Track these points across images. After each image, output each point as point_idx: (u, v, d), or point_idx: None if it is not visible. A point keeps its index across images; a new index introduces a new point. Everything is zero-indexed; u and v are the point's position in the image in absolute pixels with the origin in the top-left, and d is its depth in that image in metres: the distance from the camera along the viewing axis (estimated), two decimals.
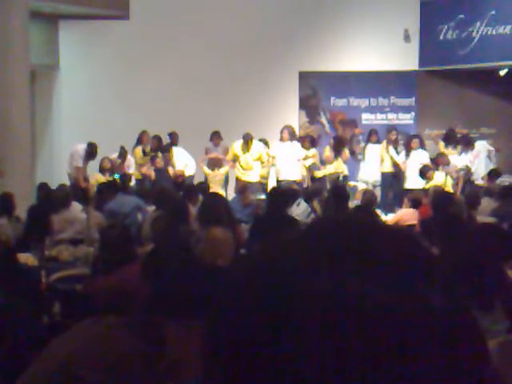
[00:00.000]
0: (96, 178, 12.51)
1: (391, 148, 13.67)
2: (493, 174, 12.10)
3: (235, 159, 13.36)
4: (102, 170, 12.71)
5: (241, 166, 13.28)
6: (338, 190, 9.06)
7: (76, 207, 8.63)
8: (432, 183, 11.51)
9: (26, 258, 5.84)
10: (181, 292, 2.19)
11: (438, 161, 12.65)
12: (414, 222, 8.59)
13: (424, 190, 10.99)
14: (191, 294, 2.16)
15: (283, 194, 8.45)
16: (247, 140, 13.18)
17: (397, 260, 0.66)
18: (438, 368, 0.62)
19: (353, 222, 0.72)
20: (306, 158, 13.44)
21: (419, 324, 0.63)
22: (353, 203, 10.71)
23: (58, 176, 13.49)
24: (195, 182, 12.31)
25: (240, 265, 0.72)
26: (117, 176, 12.01)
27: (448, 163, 12.65)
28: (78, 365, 2.01)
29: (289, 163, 13.25)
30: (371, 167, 13.73)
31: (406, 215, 9.12)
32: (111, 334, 2.10)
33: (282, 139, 13.46)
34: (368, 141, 14.02)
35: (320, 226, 0.73)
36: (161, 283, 2.46)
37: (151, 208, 8.75)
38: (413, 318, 0.63)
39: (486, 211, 9.06)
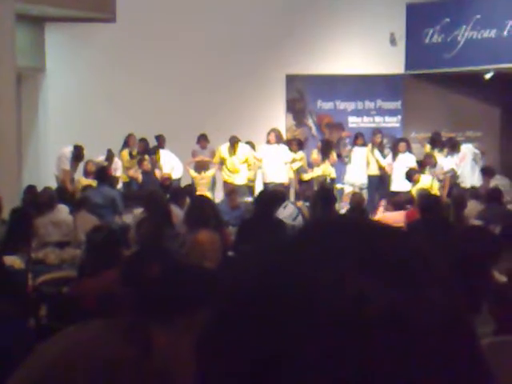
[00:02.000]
0: (80, 181, 12.47)
1: (376, 151, 13.74)
2: (488, 173, 12.20)
3: (222, 162, 13.36)
4: (86, 173, 12.65)
5: (227, 168, 13.29)
6: (325, 192, 9.08)
7: (62, 209, 8.61)
8: (418, 186, 11.56)
9: (13, 261, 5.81)
10: (166, 295, 2.19)
11: (425, 162, 12.72)
12: (398, 224, 8.63)
13: (409, 193, 11.04)
14: (177, 297, 2.15)
15: (270, 197, 8.45)
16: (233, 143, 13.20)
17: (400, 260, 0.66)
18: (441, 367, 0.62)
19: (354, 222, 0.72)
20: (293, 161, 13.46)
21: (424, 324, 0.63)
22: (340, 206, 10.75)
23: (45, 178, 13.44)
24: (182, 184, 12.30)
25: (242, 267, 0.70)
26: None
27: (435, 164, 12.72)
28: (66, 369, 2.00)
29: (275, 166, 13.26)
30: (358, 170, 13.78)
31: (389, 218, 9.15)
32: (99, 337, 2.10)
33: (268, 142, 13.48)
34: (354, 144, 14.07)
35: (320, 227, 0.72)
36: (143, 286, 2.45)
37: (138, 210, 8.75)
38: (417, 318, 0.62)
39: (472, 214, 9.11)
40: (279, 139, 13.58)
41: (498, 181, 12.06)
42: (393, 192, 12.48)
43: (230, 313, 0.67)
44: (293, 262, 0.66)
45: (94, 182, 11.45)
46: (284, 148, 13.48)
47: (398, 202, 9.67)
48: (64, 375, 2.00)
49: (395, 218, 9.08)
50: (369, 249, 0.66)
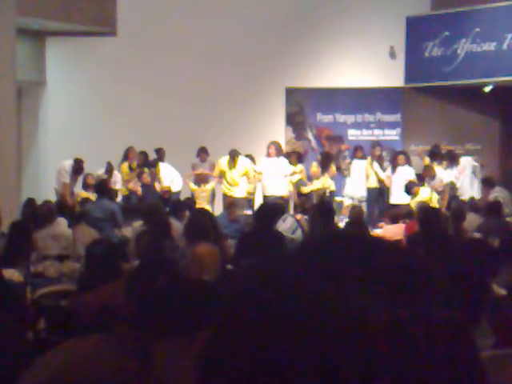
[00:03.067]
0: (80, 194, 12.46)
1: (375, 164, 13.75)
2: (488, 184, 12.20)
3: (221, 175, 13.37)
4: (85, 187, 12.64)
5: (227, 181, 13.29)
6: (324, 205, 9.08)
7: (62, 223, 8.61)
8: (417, 199, 11.56)
9: (12, 274, 5.80)
10: (167, 309, 2.18)
11: (424, 174, 12.73)
12: (398, 236, 8.63)
13: (409, 206, 11.04)
14: (177, 311, 2.15)
15: (270, 210, 8.45)
16: (233, 156, 13.20)
17: (401, 275, 0.66)
18: (444, 380, 0.63)
19: (355, 238, 0.72)
20: (292, 174, 13.47)
21: (427, 339, 0.63)
22: (339, 219, 10.75)
23: (45, 192, 13.45)
24: (182, 197, 12.30)
25: (244, 283, 0.71)
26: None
27: (434, 177, 12.72)
28: (67, 381, 2.00)
29: (275, 179, 13.27)
30: (357, 183, 13.79)
31: (389, 231, 9.15)
32: (100, 350, 2.10)
33: (268, 155, 13.49)
34: (354, 157, 14.08)
35: (322, 243, 0.72)
36: (146, 300, 2.45)
37: (138, 223, 8.75)
38: (420, 333, 0.63)
39: (471, 226, 9.10)
40: (279, 152, 13.59)
41: (497, 193, 12.05)
42: (392, 205, 12.48)
43: (231, 327, 0.67)
44: (295, 278, 0.67)
45: (93, 196, 11.46)
46: (284, 161, 13.49)
47: (395, 215, 9.68)
48: None
49: (393, 231, 9.08)
50: (370, 266, 0.66)
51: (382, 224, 10.33)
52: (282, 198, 12.95)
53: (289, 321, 0.63)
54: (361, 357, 0.61)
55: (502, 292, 4.59)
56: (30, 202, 10.22)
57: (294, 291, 0.65)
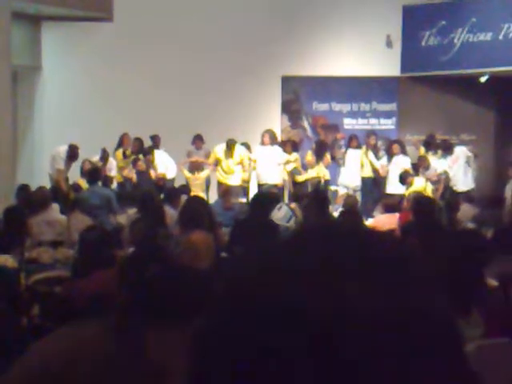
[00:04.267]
0: (77, 181, 12.44)
1: (370, 153, 13.76)
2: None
3: (217, 163, 13.36)
4: (83, 173, 12.63)
5: (223, 169, 13.29)
6: (319, 194, 9.09)
7: (56, 209, 8.61)
8: (412, 189, 11.57)
9: (6, 260, 5.81)
10: (160, 296, 2.20)
11: (419, 164, 12.74)
12: (391, 226, 8.65)
13: (403, 196, 11.06)
14: (171, 299, 2.16)
15: (265, 198, 8.46)
16: (230, 145, 13.18)
17: (396, 267, 0.67)
18: (431, 371, 0.64)
19: (345, 230, 0.73)
20: (287, 163, 13.47)
21: (419, 331, 0.64)
22: (334, 208, 10.76)
23: (40, 177, 13.43)
24: (176, 185, 12.29)
25: (237, 270, 0.71)
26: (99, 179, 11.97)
27: (428, 166, 12.73)
28: (63, 367, 2.02)
29: (269, 167, 13.28)
30: (352, 172, 13.79)
31: (382, 220, 9.16)
32: (97, 337, 2.11)
33: (262, 143, 13.50)
34: (348, 146, 14.07)
35: (318, 231, 0.73)
36: (139, 288, 2.46)
37: (132, 210, 8.75)
38: (413, 325, 0.64)
39: (465, 217, 9.13)
40: (273, 140, 13.60)
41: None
42: (387, 194, 12.50)
43: (225, 314, 0.68)
44: (292, 265, 0.67)
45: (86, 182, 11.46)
46: (278, 149, 13.49)
47: (389, 204, 9.70)
48: (66, 370, 2.01)
49: (387, 220, 9.09)
50: (359, 257, 0.67)
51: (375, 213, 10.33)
52: (275, 186, 12.96)
53: (285, 306, 0.64)
54: (347, 347, 0.62)
55: (494, 283, 4.60)
56: (24, 187, 10.20)
57: (291, 278, 0.66)
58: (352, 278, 0.65)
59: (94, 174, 10.77)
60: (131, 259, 3.77)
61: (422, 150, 13.69)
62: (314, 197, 8.76)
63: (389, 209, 9.48)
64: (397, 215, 9.20)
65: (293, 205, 9.32)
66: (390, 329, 0.63)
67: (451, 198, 10.04)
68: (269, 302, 0.65)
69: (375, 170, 13.65)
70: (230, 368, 0.65)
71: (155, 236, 6.14)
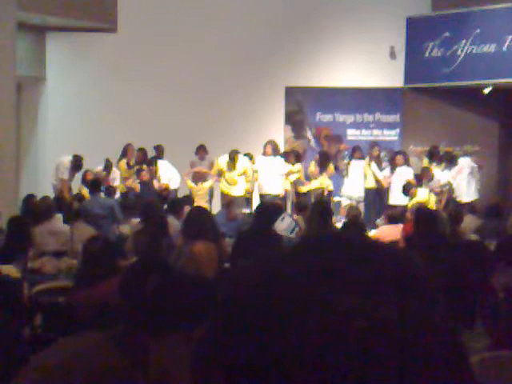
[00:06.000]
0: (81, 191, 12.44)
1: (373, 164, 13.75)
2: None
3: (220, 174, 13.36)
4: (85, 183, 12.63)
5: (226, 180, 13.29)
6: (322, 205, 9.08)
7: (60, 219, 8.61)
8: (415, 200, 11.56)
9: (9, 270, 5.81)
10: (162, 306, 2.19)
11: (423, 175, 12.72)
12: (394, 237, 8.64)
13: (406, 207, 11.04)
14: (173, 308, 2.16)
15: (269, 209, 8.45)
16: (233, 157, 13.17)
17: (394, 278, 0.67)
18: (428, 378, 0.63)
19: (351, 239, 0.73)
20: (290, 173, 13.47)
21: (417, 342, 0.64)
22: (337, 219, 10.75)
23: (43, 188, 13.44)
24: (180, 195, 12.29)
25: (236, 280, 0.71)
26: (101, 188, 11.97)
27: (432, 178, 12.72)
28: (63, 379, 2.01)
29: (271, 178, 13.29)
30: (355, 183, 13.78)
31: (385, 231, 9.15)
32: (97, 348, 2.10)
33: (265, 154, 13.52)
34: (352, 157, 14.07)
35: (318, 242, 0.73)
36: (141, 298, 2.46)
37: (135, 221, 8.75)
38: (411, 336, 0.63)
39: (468, 228, 9.11)
40: (275, 151, 13.61)
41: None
42: (390, 205, 12.48)
43: (229, 322, 0.68)
44: (286, 278, 0.68)
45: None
46: (280, 160, 13.50)
47: (393, 215, 9.69)
48: (68, 382, 2.01)
49: (390, 231, 9.08)
50: (359, 267, 0.67)
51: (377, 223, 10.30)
52: (277, 196, 12.96)
53: (285, 315, 0.64)
54: (345, 353, 0.62)
55: (498, 295, 4.59)
56: (30, 198, 10.21)
57: (291, 288, 0.66)
58: (352, 290, 0.65)
59: (96, 183, 10.79)
60: (132, 269, 3.76)
61: (426, 161, 13.68)
62: (317, 208, 8.75)
63: (392, 220, 9.47)
64: (400, 226, 9.19)
65: (296, 216, 9.32)
66: (391, 341, 0.63)
67: (455, 209, 10.03)
68: (267, 311, 0.65)
69: (378, 181, 13.65)
70: (228, 374, 0.65)
71: (158, 246, 6.14)
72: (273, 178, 13.29)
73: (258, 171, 13.43)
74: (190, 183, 13.32)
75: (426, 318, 0.65)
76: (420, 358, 0.63)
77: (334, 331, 0.63)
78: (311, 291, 0.65)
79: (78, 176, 13.03)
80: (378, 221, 10.52)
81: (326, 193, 13.18)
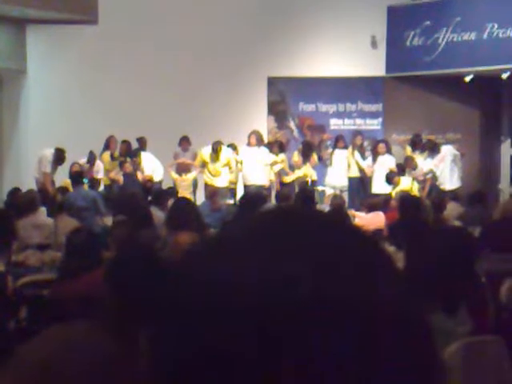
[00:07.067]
0: (65, 185, 12.37)
1: (357, 153, 13.79)
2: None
3: (203, 165, 13.35)
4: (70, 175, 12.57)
5: (209, 172, 13.29)
6: (305, 193, 9.10)
7: (43, 212, 8.58)
8: (398, 188, 11.61)
9: None
10: (145, 296, 2.20)
11: (406, 164, 12.77)
12: (376, 226, 8.68)
13: (389, 195, 11.09)
14: (155, 297, 2.16)
15: (252, 199, 8.46)
16: (216, 148, 13.15)
17: (332, 245, 0.65)
18: (375, 353, 0.62)
19: (301, 213, 0.72)
20: (274, 163, 13.49)
21: (354, 306, 0.62)
22: (321, 208, 10.78)
23: (26, 181, 13.37)
24: (163, 187, 12.28)
25: (183, 264, 0.70)
26: (85, 181, 11.93)
27: (415, 167, 12.78)
28: (57, 368, 2.01)
29: (256, 168, 13.29)
30: (338, 172, 13.82)
31: (367, 220, 9.17)
32: (88, 338, 2.10)
33: (249, 144, 13.51)
34: (335, 146, 14.10)
35: (269, 213, 0.72)
36: (124, 289, 2.46)
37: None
38: (348, 299, 0.62)
39: (451, 215, 9.16)
40: (260, 141, 13.61)
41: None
42: (373, 194, 12.53)
43: (168, 304, 0.67)
44: (228, 244, 0.67)
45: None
46: (264, 150, 13.50)
47: (371, 204, 9.74)
48: (56, 375, 2.00)
49: (372, 219, 9.12)
50: (304, 235, 0.65)
51: (353, 213, 10.23)
52: (262, 187, 12.97)
53: (226, 280, 0.63)
54: (288, 322, 0.61)
55: (482, 280, 4.63)
56: (15, 191, 10.15)
57: (235, 253, 0.65)
58: (297, 257, 0.63)
59: (78, 176, 10.77)
60: (116, 258, 3.76)
61: (409, 149, 13.73)
62: (300, 196, 8.77)
63: (371, 208, 9.51)
64: (381, 214, 9.23)
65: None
66: (322, 306, 0.61)
67: (437, 196, 10.07)
68: (208, 281, 0.64)
69: (362, 170, 13.69)
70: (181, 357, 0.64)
71: (137, 237, 6.12)
72: (258, 168, 13.29)
73: (243, 162, 13.43)
74: (174, 175, 13.30)
75: (382, 294, 0.63)
76: (380, 337, 0.62)
77: (276, 297, 0.61)
78: (253, 256, 0.64)
79: (61, 169, 12.96)
80: (359, 212, 10.47)
81: (309, 182, 13.21)
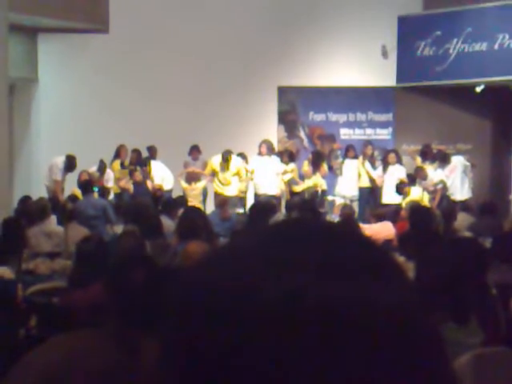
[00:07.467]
0: (74, 192, 12.42)
1: (367, 163, 13.78)
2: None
3: (213, 174, 13.36)
4: (79, 184, 12.61)
5: (219, 181, 13.30)
6: (309, 204, 9.10)
7: (54, 220, 8.60)
8: (409, 198, 11.58)
9: (3, 271, 5.80)
10: (149, 304, 2.20)
11: (417, 174, 12.75)
12: (385, 235, 8.66)
13: (399, 206, 11.07)
14: (161, 304, 2.16)
15: (262, 209, 8.46)
16: (226, 158, 13.15)
17: (339, 257, 0.65)
18: (378, 365, 0.61)
19: (310, 223, 0.72)
20: (284, 173, 13.49)
21: (362, 320, 0.61)
22: (331, 218, 10.77)
23: (37, 189, 13.42)
24: (174, 196, 12.29)
25: (199, 269, 0.69)
26: (95, 189, 11.97)
27: (426, 177, 12.75)
28: (60, 376, 2.01)
29: (267, 178, 13.28)
30: (348, 182, 13.81)
31: (376, 230, 9.15)
32: (94, 345, 2.11)
33: (260, 154, 13.51)
34: (345, 156, 14.10)
35: (274, 224, 0.72)
36: (128, 297, 2.46)
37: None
38: (355, 313, 0.61)
39: (462, 226, 9.13)
40: (271, 151, 13.61)
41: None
42: (384, 204, 12.50)
43: (176, 315, 0.67)
44: (236, 257, 0.67)
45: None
46: (275, 159, 13.50)
47: (379, 214, 9.73)
48: (63, 382, 2.00)
49: (382, 229, 9.10)
50: (324, 252, 0.65)
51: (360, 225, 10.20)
52: (273, 196, 12.96)
53: (235, 293, 0.63)
54: (291, 334, 0.60)
55: (492, 291, 4.61)
56: (26, 199, 10.19)
57: (242, 266, 0.65)
58: (305, 268, 0.63)
59: (86, 184, 10.81)
60: (115, 265, 3.75)
61: (419, 159, 13.71)
62: (304, 207, 8.77)
63: (379, 219, 9.49)
64: (389, 224, 9.22)
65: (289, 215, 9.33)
66: (344, 322, 0.61)
67: (448, 207, 10.04)
68: (215, 289, 0.64)
69: (372, 180, 13.68)
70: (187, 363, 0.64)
71: (144, 246, 6.12)
72: (269, 177, 13.29)
73: (254, 171, 13.43)
74: (184, 183, 13.32)
75: (379, 299, 0.63)
76: (374, 342, 0.61)
77: (284, 309, 0.61)
78: (261, 269, 0.63)
79: (71, 177, 13.00)
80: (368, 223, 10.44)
81: (319, 192, 13.20)
